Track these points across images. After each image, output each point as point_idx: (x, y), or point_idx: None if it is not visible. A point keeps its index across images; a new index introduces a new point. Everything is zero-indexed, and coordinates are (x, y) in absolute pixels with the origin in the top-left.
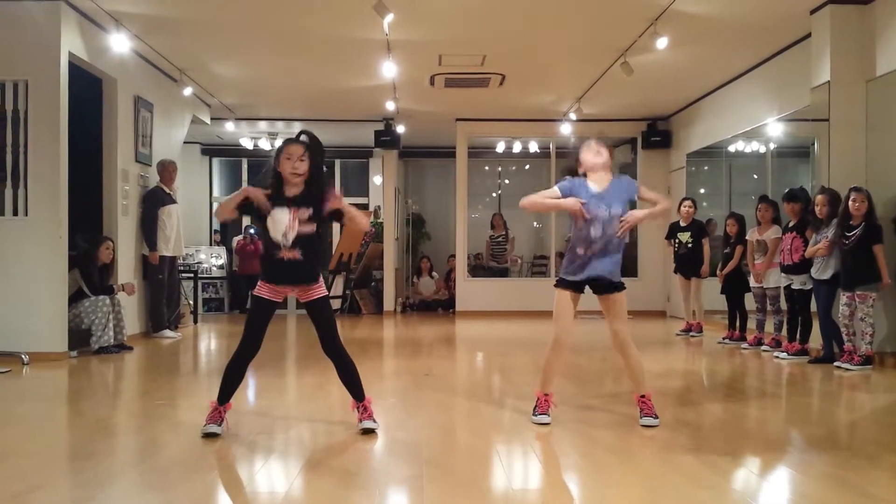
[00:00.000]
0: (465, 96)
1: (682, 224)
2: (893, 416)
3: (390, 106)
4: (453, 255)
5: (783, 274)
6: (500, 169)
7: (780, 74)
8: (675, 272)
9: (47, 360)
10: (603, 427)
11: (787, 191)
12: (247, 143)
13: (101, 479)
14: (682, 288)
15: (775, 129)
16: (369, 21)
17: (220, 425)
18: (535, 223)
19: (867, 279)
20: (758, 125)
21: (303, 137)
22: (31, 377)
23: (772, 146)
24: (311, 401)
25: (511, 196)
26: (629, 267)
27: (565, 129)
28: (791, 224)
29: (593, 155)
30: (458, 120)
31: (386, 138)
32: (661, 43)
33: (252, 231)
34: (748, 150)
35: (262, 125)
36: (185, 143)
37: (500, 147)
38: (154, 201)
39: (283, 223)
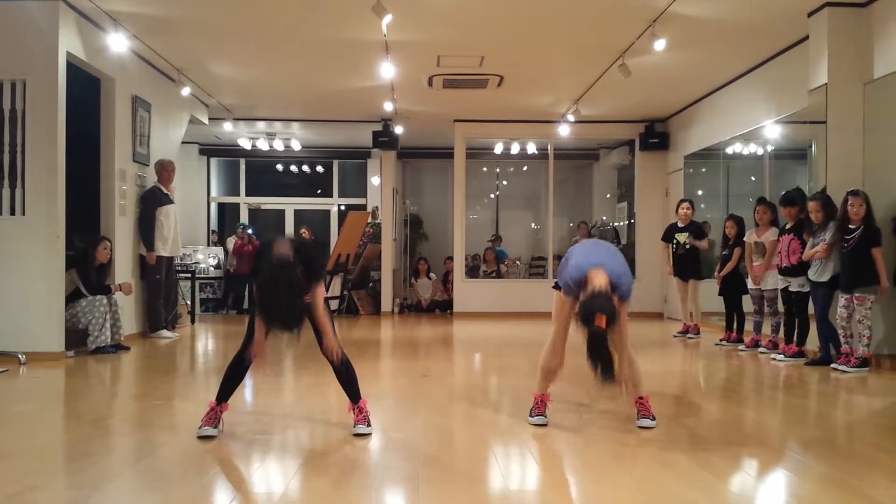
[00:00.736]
0: (463, 97)
1: (681, 225)
2: (890, 418)
3: (388, 107)
4: (451, 257)
5: (780, 276)
6: (498, 170)
7: (778, 77)
8: (674, 275)
9: (44, 359)
10: (599, 428)
11: (783, 194)
12: (245, 144)
13: (97, 479)
14: (679, 290)
15: (773, 132)
16: (368, 22)
17: (215, 427)
18: (532, 224)
19: (866, 281)
20: (755, 127)
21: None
22: (27, 377)
23: (769, 148)
24: (309, 401)
25: (509, 197)
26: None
27: (563, 131)
28: (788, 226)
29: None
30: (456, 121)
31: (384, 139)
32: (659, 45)
33: (249, 231)
34: (746, 152)
35: (261, 125)
36: (182, 143)
37: (499, 148)
38: (152, 201)
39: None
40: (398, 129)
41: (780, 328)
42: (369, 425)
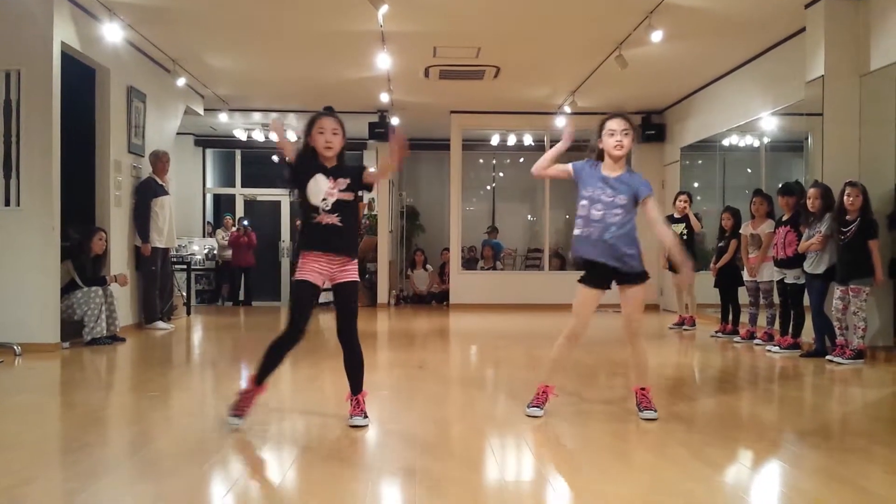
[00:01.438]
0: (459, 88)
1: (677, 216)
2: (885, 409)
3: (385, 98)
4: (447, 249)
5: (776, 268)
6: (494, 161)
7: (775, 68)
8: (669, 269)
9: (39, 351)
10: (596, 420)
11: (782, 184)
12: (240, 135)
13: (93, 470)
14: (674, 282)
15: (769, 124)
16: (364, 12)
17: (241, 418)
18: (528, 216)
19: (861, 273)
20: (752, 119)
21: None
22: (23, 368)
23: (766, 140)
24: (305, 393)
25: (506, 189)
26: None
27: (560, 122)
28: (784, 218)
29: (613, 146)
30: (452, 112)
31: (380, 130)
32: (656, 36)
33: (245, 223)
34: (742, 144)
35: (256, 116)
36: (178, 133)
37: (495, 140)
38: (147, 192)
39: (323, 189)
40: (394, 121)
41: (776, 320)
42: (366, 417)
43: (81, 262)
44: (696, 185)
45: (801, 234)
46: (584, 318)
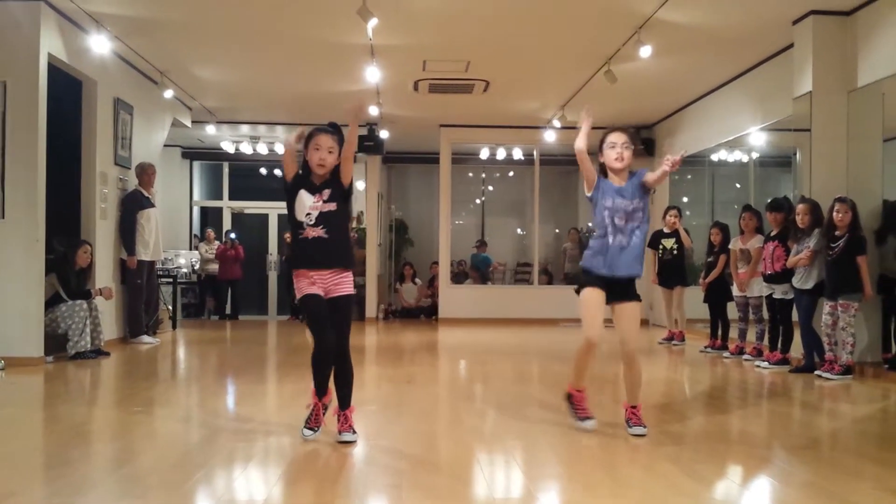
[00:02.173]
0: (449, 102)
1: (667, 231)
2: (874, 425)
3: (374, 111)
4: (436, 262)
5: (765, 283)
6: (483, 175)
7: (763, 84)
8: (659, 283)
9: (22, 365)
10: (584, 435)
11: (770, 200)
12: (228, 147)
13: (76, 486)
14: (664, 297)
15: (758, 139)
16: (353, 25)
17: (315, 430)
18: (518, 230)
19: (850, 289)
20: (740, 134)
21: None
22: (5, 382)
23: (754, 155)
24: (291, 408)
25: (495, 203)
26: None
27: (549, 137)
28: (773, 233)
29: (614, 158)
30: (441, 126)
31: (369, 143)
32: (645, 51)
33: (232, 236)
34: (731, 159)
35: (244, 129)
36: (165, 146)
37: (484, 153)
38: (133, 205)
39: (307, 205)
40: (383, 134)
41: (765, 335)
42: (354, 433)
43: (66, 275)
44: (685, 199)
45: (789, 250)
46: (598, 324)
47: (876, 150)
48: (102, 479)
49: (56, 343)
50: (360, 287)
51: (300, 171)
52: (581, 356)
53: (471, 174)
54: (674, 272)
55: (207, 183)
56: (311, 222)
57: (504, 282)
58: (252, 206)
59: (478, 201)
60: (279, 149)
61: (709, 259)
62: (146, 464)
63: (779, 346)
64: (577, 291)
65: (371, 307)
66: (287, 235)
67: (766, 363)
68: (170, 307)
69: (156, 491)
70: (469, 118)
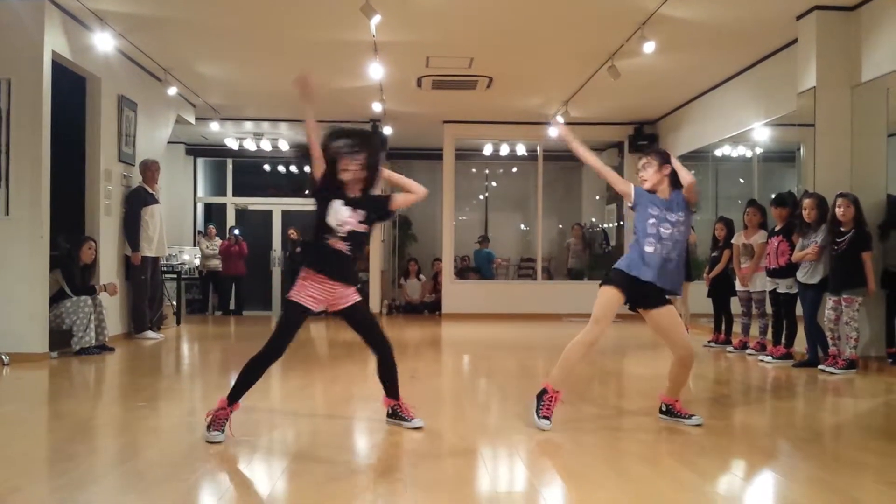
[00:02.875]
0: (452, 98)
1: None
2: (877, 420)
3: (377, 107)
4: (439, 259)
5: (769, 278)
6: (487, 171)
7: (767, 79)
8: None
9: (28, 360)
10: (587, 430)
11: (775, 195)
12: (232, 144)
13: (81, 480)
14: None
15: (762, 134)
16: (356, 22)
17: (223, 432)
18: (521, 226)
19: (854, 284)
20: (744, 130)
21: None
22: (10, 378)
23: (758, 151)
24: (295, 402)
25: (498, 199)
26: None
27: (552, 133)
28: (777, 228)
29: (642, 181)
30: (445, 122)
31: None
32: (649, 47)
33: (236, 232)
34: (735, 154)
35: (248, 125)
36: (169, 142)
37: (488, 150)
38: (137, 201)
39: (342, 216)
40: (387, 130)
41: (768, 330)
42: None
43: (70, 271)
44: None
45: (793, 245)
46: (607, 323)
47: (880, 145)
48: (106, 474)
49: (61, 339)
50: (363, 283)
51: (331, 172)
52: (578, 352)
53: (474, 170)
54: None
55: (211, 179)
56: (342, 235)
57: (507, 277)
58: (256, 203)
59: (481, 197)
60: (283, 145)
61: (713, 254)
62: (150, 459)
63: (782, 340)
64: (606, 283)
65: (374, 303)
66: (292, 231)
67: (770, 358)
68: (174, 303)
69: (159, 486)
70: (472, 114)
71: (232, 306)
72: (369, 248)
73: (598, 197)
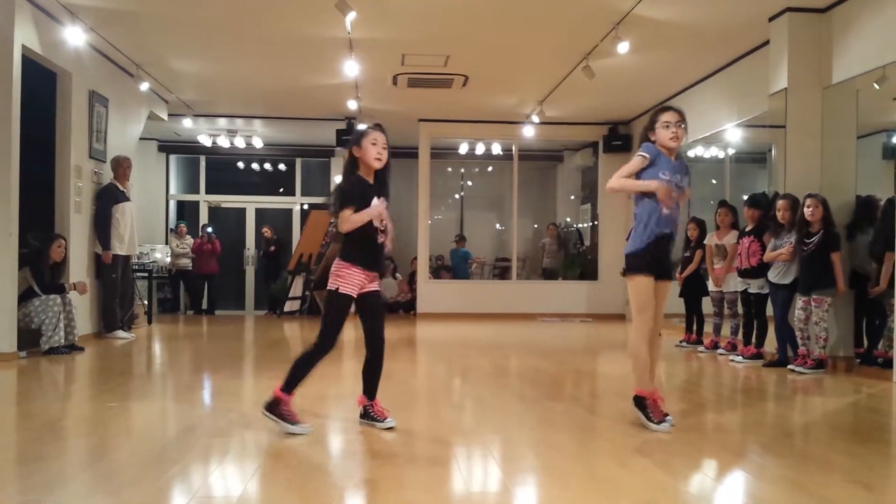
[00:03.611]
0: (428, 97)
1: None
2: (845, 419)
3: (352, 105)
4: (416, 257)
5: (740, 278)
6: (462, 170)
7: (739, 81)
8: None
9: None
10: (560, 430)
11: (750, 196)
12: (205, 140)
13: (49, 482)
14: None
15: (734, 135)
16: (332, 19)
17: (298, 422)
18: (497, 225)
19: (823, 284)
20: (717, 130)
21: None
22: None
23: (730, 151)
24: None
25: (474, 198)
26: (589, 270)
27: (528, 132)
28: (748, 228)
29: (669, 137)
30: (420, 120)
31: (348, 137)
32: (623, 47)
33: (209, 230)
34: (707, 155)
35: (222, 122)
36: (141, 139)
37: (463, 148)
38: (108, 199)
39: (380, 210)
40: (362, 128)
41: (739, 330)
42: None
43: (40, 269)
44: None
45: (764, 245)
46: (651, 308)
47: (850, 146)
48: (76, 475)
49: (29, 338)
50: None
51: (356, 172)
52: (640, 347)
53: (450, 169)
54: None
55: (184, 176)
56: (383, 228)
57: (482, 277)
58: (229, 200)
59: (457, 196)
60: (257, 143)
61: (685, 254)
62: (121, 459)
63: (753, 340)
64: (624, 274)
65: None
66: (266, 230)
67: (741, 357)
68: (145, 302)
69: (130, 487)
70: (448, 113)
71: (204, 305)
72: (333, 228)
73: (573, 197)
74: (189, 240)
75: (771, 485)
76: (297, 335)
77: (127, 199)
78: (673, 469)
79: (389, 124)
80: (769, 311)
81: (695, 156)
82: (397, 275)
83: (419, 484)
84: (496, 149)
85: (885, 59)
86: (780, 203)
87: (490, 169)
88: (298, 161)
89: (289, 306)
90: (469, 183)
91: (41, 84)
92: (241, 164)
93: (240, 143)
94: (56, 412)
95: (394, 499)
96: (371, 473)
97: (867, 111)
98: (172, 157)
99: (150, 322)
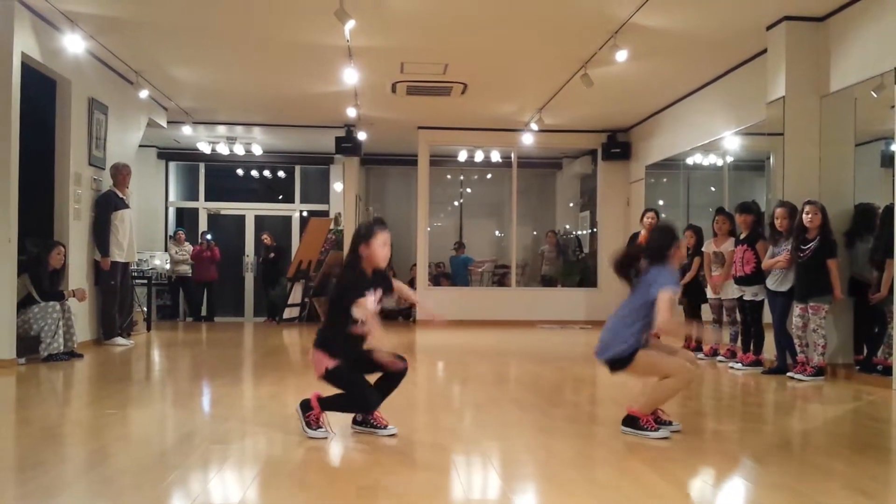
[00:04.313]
0: (427, 104)
1: (644, 232)
2: (845, 426)
3: (352, 112)
4: (416, 264)
5: (735, 285)
6: (461, 178)
7: (737, 89)
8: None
9: None
10: (560, 437)
11: (740, 203)
12: (204, 148)
13: (48, 488)
14: None
15: (732, 143)
16: (331, 27)
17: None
18: (496, 232)
19: (820, 291)
20: (715, 138)
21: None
22: None
23: (729, 159)
24: (267, 410)
25: (473, 205)
26: (588, 278)
27: (527, 140)
28: (742, 236)
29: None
30: (419, 128)
31: (347, 145)
32: (621, 56)
33: (209, 237)
34: (706, 162)
35: (221, 129)
36: (140, 146)
37: (462, 156)
38: (107, 206)
39: (369, 306)
40: (361, 136)
41: (739, 337)
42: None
43: (39, 276)
44: (660, 202)
45: (757, 253)
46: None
47: (848, 154)
48: (74, 481)
49: (28, 345)
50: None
51: (357, 265)
52: (676, 390)
53: (449, 176)
54: None
55: (183, 184)
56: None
57: (482, 283)
58: (228, 207)
59: (456, 203)
60: (256, 150)
61: (683, 262)
62: (119, 466)
63: (751, 347)
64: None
65: None
66: (265, 237)
67: (740, 365)
68: (144, 309)
69: (129, 493)
70: (447, 120)
71: (203, 312)
72: (332, 236)
73: (571, 204)
74: (188, 247)
75: (770, 492)
76: (297, 342)
77: (126, 206)
78: (673, 476)
79: (389, 132)
80: (767, 318)
81: (693, 163)
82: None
83: (419, 491)
84: (495, 156)
85: (883, 67)
86: (777, 211)
87: (489, 176)
88: (298, 168)
89: (288, 313)
90: (468, 190)
91: (41, 91)
92: (240, 172)
93: (239, 150)
94: (55, 419)
95: None
96: (370, 480)
97: (865, 119)
98: (172, 165)
99: (149, 329)
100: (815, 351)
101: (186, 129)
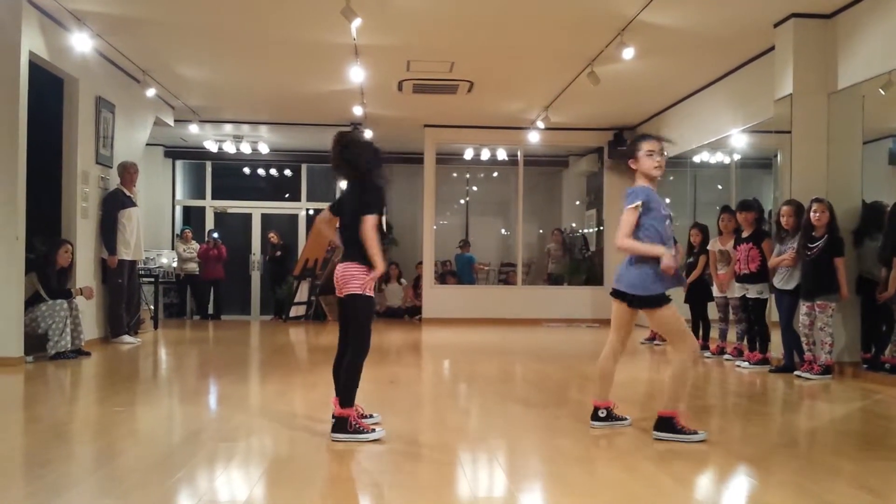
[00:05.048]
0: (433, 102)
1: None
2: (852, 424)
3: (358, 111)
4: (421, 262)
5: (738, 283)
6: (468, 176)
7: (745, 86)
8: None
9: (2, 365)
10: (566, 435)
11: (740, 201)
12: (211, 146)
13: (56, 486)
14: None
15: (739, 141)
16: (337, 25)
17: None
18: (502, 230)
19: (827, 290)
20: (722, 136)
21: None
22: None
23: (736, 157)
24: (273, 408)
25: (479, 204)
26: (594, 276)
27: (533, 138)
28: (745, 234)
29: (655, 167)
30: (426, 126)
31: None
32: (628, 53)
33: (215, 236)
34: (713, 160)
35: (228, 128)
36: (147, 144)
37: (469, 154)
38: (114, 204)
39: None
40: (368, 134)
41: (745, 335)
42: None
43: (46, 274)
44: (667, 200)
45: (762, 250)
46: (621, 331)
47: (856, 151)
48: (82, 479)
49: (36, 343)
50: None
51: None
52: (688, 372)
53: (455, 174)
54: None
55: (190, 182)
56: None
57: (488, 282)
58: (235, 206)
59: (462, 201)
60: (263, 148)
61: (689, 260)
62: (127, 463)
63: (758, 345)
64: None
65: None
66: (272, 235)
67: (747, 363)
68: (151, 307)
69: (136, 491)
70: (453, 118)
71: (210, 310)
72: None
73: (577, 202)
74: (195, 245)
75: (777, 490)
76: (303, 340)
77: (133, 205)
78: (678, 475)
79: (395, 130)
80: (774, 316)
81: (700, 161)
82: (402, 280)
83: (424, 489)
84: (501, 154)
85: (891, 64)
86: (784, 209)
87: (495, 174)
88: (304, 167)
89: (294, 311)
90: (474, 188)
91: (48, 90)
92: (246, 170)
93: (246, 148)
94: (63, 416)
95: (399, 503)
96: (376, 478)
97: (873, 116)
98: (179, 163)
99: (156, 327)
100: (822, 349)
101: (193, 128)
